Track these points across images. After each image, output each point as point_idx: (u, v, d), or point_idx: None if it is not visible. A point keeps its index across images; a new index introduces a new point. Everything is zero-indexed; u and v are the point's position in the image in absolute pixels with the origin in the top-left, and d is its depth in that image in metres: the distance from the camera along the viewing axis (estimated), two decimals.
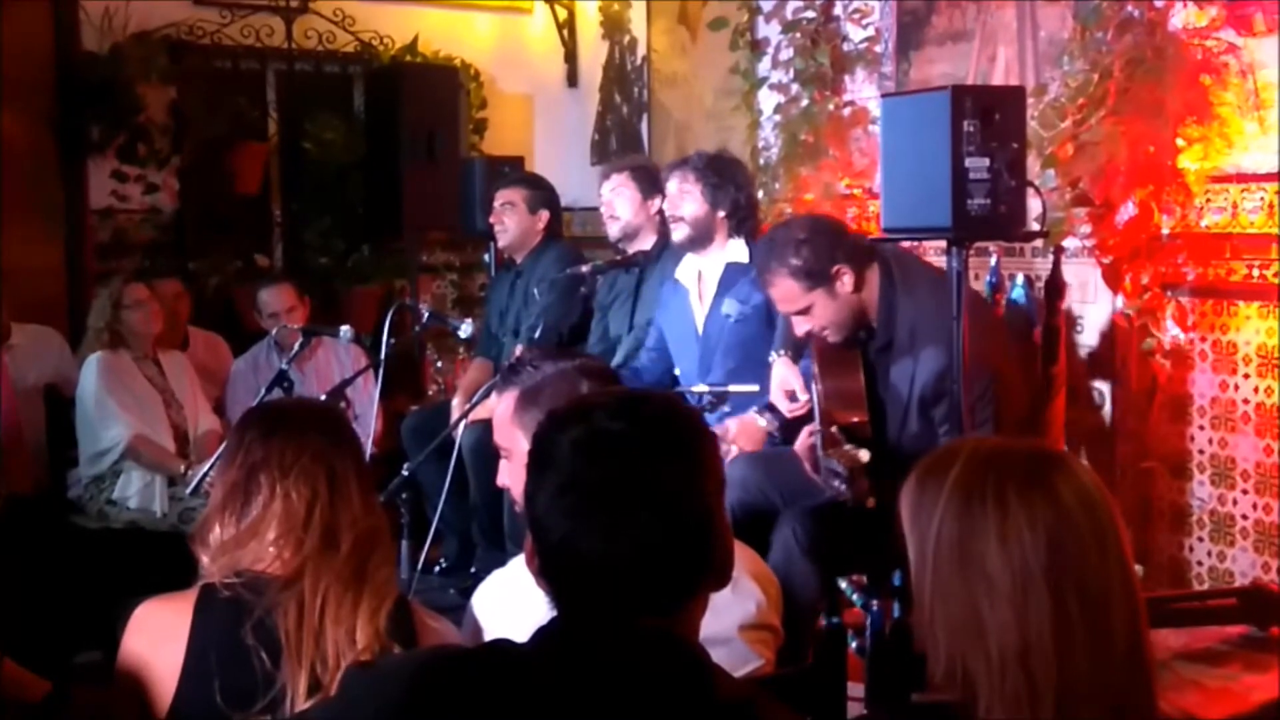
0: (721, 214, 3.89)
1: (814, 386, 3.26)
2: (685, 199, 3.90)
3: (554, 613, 1.38)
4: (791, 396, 3.34)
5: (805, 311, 3.22)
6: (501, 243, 4.92)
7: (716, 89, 5.54)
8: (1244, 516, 3.60)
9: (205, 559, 1.94)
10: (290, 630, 1.84)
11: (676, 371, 3.99)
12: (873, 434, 3.07)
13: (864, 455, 2.76)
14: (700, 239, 3.91)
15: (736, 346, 3.76)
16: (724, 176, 3.90)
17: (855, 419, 3.05)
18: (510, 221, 4.80)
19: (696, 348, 3.90)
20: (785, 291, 3.21)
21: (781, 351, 3.42)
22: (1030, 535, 1.30)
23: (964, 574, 1.32)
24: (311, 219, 5.96)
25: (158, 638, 1.86)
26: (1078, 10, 3.84)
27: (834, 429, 2.98)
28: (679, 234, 3.92)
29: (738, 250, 3.90)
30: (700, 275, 3.96)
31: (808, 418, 3.32)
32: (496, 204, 4.86)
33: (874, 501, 2.75)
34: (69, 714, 2.06)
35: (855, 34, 4.81)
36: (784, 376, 3.35)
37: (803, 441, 3.15)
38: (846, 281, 3.17)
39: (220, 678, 1.81)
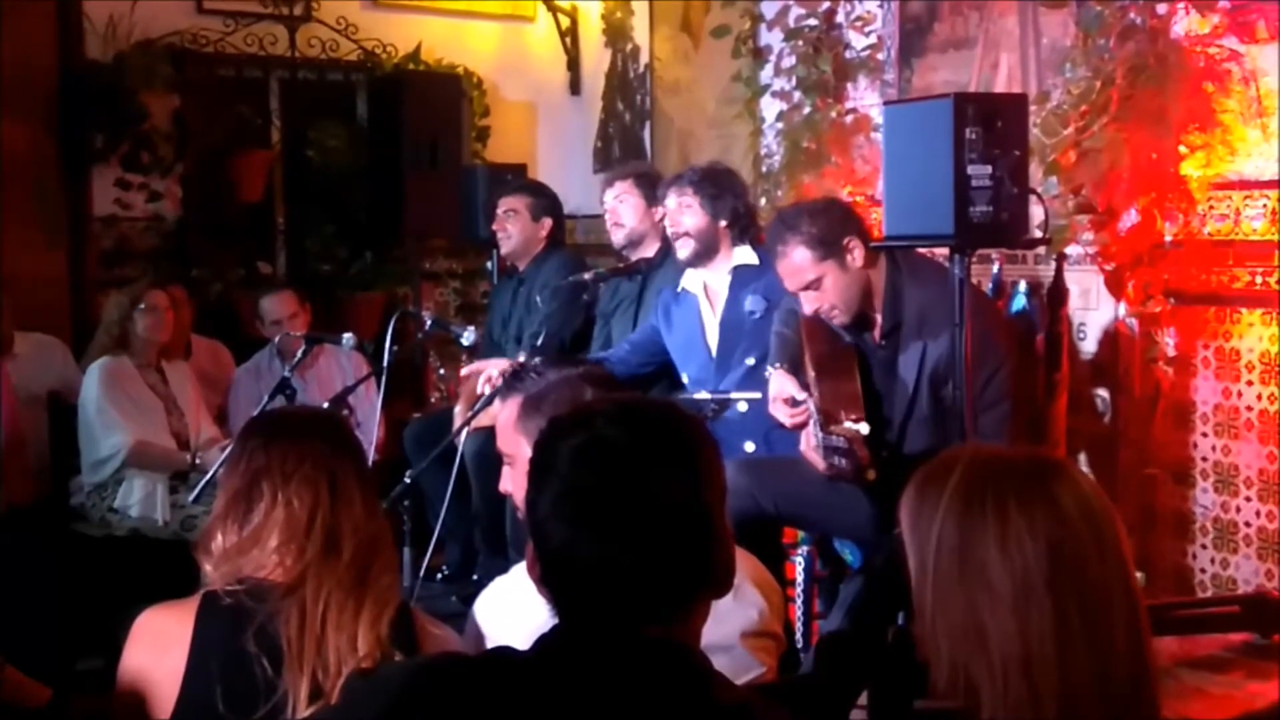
0: (723, 223, 3.88)
1: (810, 391, 3.26)
2: (685, 213, 3.89)
3: (555, 620, 1.38)
4: (791, 403, 3.34)
5: (816, 285, 3.23)
6: (504, 250, 4.93)
7: (719, 96, 5.55)
8: (1247, 524, 3.60)
9: (208, 567, 1.94)
10: (292, 637, 1.84)
11: (684, 379, 3.98)
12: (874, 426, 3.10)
13: (864, 428, 2.79)
14: (706, 251, 3.89)
15: (759, 344, 3.74)
16: (721, 186, 3.89)
17: (853, 418, 3.06)
18: (513, 229, 4.81)
19: (704, 355, 3.89)
20: (798, 262, 3.22)
21: (777, 365, 3.42)
22: (1031, 543, 1.30)
23: (965, 582, 1.32)
24: (314, 227, 5.95)
25: (159, 645, 1.86)
26: (1080, 17, 3.84)
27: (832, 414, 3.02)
28: (684, 250, 3.89)
29: (745, 255, 3.90)
30: (706, 286, 3.94)
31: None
32: (499, 211, 4.86)
33: (874, 475, 2.77)
34: None
35: (858, 41, 4.81)
36: (781, 385, 3.35)
37: (805, 443, 3.17)
38: (857, 256, 3.19)
39: (222, 685, 1.81)
